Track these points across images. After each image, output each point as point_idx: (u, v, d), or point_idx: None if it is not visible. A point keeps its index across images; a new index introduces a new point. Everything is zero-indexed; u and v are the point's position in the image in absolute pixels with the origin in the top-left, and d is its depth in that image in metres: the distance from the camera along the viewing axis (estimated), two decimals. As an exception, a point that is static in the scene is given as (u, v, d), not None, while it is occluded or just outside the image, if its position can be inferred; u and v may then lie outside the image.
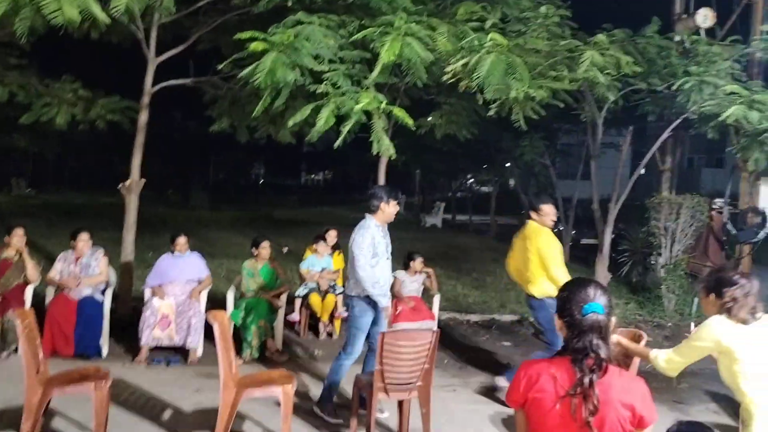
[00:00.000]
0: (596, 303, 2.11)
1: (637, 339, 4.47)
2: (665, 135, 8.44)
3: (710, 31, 8.44)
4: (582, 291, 2.15)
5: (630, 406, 2.06)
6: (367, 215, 5.03)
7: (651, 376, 6.49)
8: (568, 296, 2.17)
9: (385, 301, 4.94)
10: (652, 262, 9.79)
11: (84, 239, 6.46)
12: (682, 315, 9.11)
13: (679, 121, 8.08)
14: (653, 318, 9.03)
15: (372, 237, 4.92)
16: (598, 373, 2.06)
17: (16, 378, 4.32)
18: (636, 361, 4.37)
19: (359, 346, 5.01)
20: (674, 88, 7.25)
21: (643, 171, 9.19)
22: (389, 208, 5.00)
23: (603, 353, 2.07)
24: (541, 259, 5.50)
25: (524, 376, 2.18)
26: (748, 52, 8.04)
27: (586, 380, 2.05)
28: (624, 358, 4.51)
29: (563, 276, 5.35)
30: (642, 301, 9.68)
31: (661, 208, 9.53)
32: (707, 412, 5.63)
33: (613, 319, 2.17)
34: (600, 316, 2.11)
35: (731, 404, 5.59)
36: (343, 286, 7.76)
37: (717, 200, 10.45)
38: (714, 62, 7.35)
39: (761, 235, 9.57)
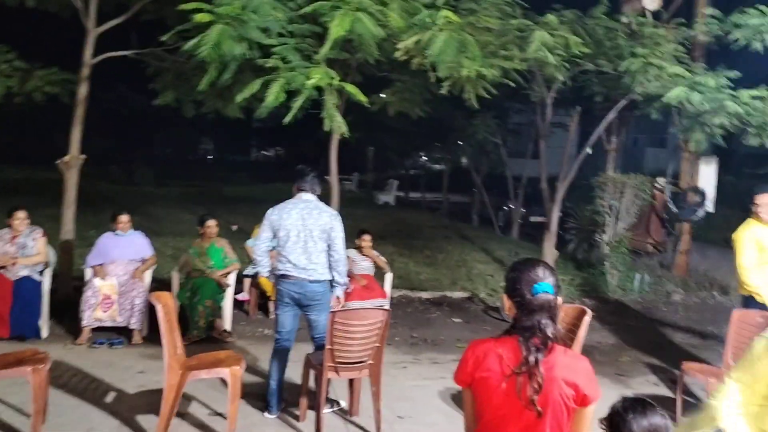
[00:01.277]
0: (546, 283, 2.13)
1: (581, 315, 4.57)
2: (611, 115, 8.59)
3: (656, 14, 8.59)
4: (531, 271, 2.16)
5: (573, 384, 2.08)
6: (316, 198, 4.80)
7: (594, 349, 6.72)
8: (518, 276, 2.18)
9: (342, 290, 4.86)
10: (597, 240, 10.05)
11: (20, 218, 6.19)
12: (624, 291, 9.40)
13: (624, 102, 8.23)
14: (597, 294, 9.29)
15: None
16: (543, 352, 2.08)
17: (-52, 363, 4.12)
18: (580, 338, 4.47)
19: None
20: (620, 69, 7.37)
21: (590, 150, 9.37)
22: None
23: (550, 332, 2.09)
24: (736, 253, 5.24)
25: (471, 355, 2.19)
26: (691, 35, 8.23)
27: (532, 359, 2.07)
28: (568, 336, 4.61)
29: (746, 273, 5.13)
30: (587, 277, 9.93)
31: (606, 186, 9.76)
32: (647, 384, 5.83)
33: (560, 299, 2.19)
34: (550, 296, 2.13)
35: (669, 376, 5.82)
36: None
37: (659, 179, 10.75)
38: (659, 44, 7.49)
39: (700, 213, 9.93)
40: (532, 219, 15.76)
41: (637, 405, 2.10)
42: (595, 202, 9.90)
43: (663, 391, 5.66)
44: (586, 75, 8.19)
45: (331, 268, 4.74)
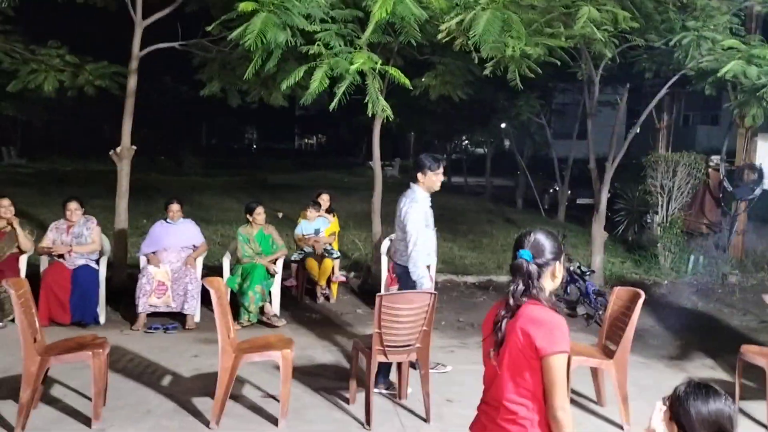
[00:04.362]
0: (523, 250, 2.27)
1: (635, 298, 4.48)
2: (662, 92, 8.32)
3: (709, -15, 8.25)
4: (519, 237, 2.34)
5: (528, 334, 2.16)
6: (413, 185, 4.98)
7: (647, 333, 6.59)
8: (514, 242, 2.36)
9: (427, 283, 4.80)
10: (648, 221, 9.78)
11: (72, 208, 6.37)
12: (678, 273, 9.15)
13: (676, 77, 7.95)
14: (649, 276, 9.07)
15: (423, 210, 4.92)
16: (509, 311, 2.23)
17: (14, 347, 4.31)
18: (633, 321, 4.38)
19: None
20: (672, 43, 7.12)
21: (638, 129, 9.11)
22: (432, 177, 4.95)
23: (516, 296, 2.22)
24: None
25: (490, 310, 2.42)
26: (746, 5, 7.88)
27: (498, 317, 2.26)
28: (622, 319, 4.52)
29: None
30: (638, 259, 9.71)
31: (657, 166, 9.48)
32: (704, 368, 5.68)
33: (557, 265, 2.29)
34: (520, 261, 2.25)
35: (727, 360, 5.64)
36: (339, 251, 7.76)
37: (713, 157, 10.38)
38: (712, 16, 7.19)
39: (757, 191, 9.56)
40: (579, 201, 15.45)
41: (700, 390, 1.99)
42: (646, 182, 9.63)
43: (720, 375, 5.50)
44: (635, 51, 7.95)
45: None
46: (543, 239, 2.29)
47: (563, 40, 6.41)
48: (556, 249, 2.30)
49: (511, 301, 2.23)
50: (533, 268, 2.25)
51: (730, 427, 1.94)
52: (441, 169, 4.99)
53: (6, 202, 6.37)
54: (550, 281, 2.31)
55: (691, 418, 1.94)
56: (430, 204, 5.06)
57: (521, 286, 2.23)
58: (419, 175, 4.96)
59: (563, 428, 2.12)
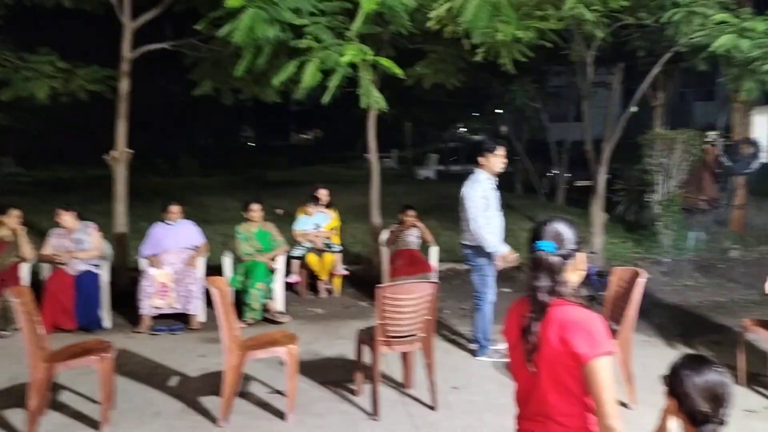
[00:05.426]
0: (543, 240, 2.10)
1: (635, 277, 4.49)
2: (655, 70, 8.29)
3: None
4: (536, 228, 2.16)
5: (565, 340, 1.99)
6: (476, 169, 5.34)
7: (651, 311, 6.60)
8: (530, 233, 2.18)
9: (502, 248, 5.20)
10: (647, 200, 9.78)
11: (59, 213, 6.37)
12: (678, 250, 9.16)
13: (669, 54, 7.93)
14: (650, 255, 9.08)
15: (483, 190, 5.23)
16: (538, 314, 2.05)
17: (21, 356, 4.32)
18: (635, 300, 4.39)
19: (492, 288, 5.32)
20: (663, 20, 7.09)
21: (635, 108, 9.08)
22: (493, 159, 5.26)
23: (543, 294, 2.05)
24: None
25: (507, 313, 2.27)
26: (737, -22, 7.83)
27: (526, 321, 2.08)
28: (623, 299, 4.53)
29: None
30: (639, 238, 9.72)
31: (654, 144, 9.46)
32: (708, 343, 5.70)
33: (579, 255, 2.12)
34: (541, 253, 2.08)
35: (731, 334, 5.67)
36: (340, 244, 7.77)
37: (710, 133, 10.36)
38: (702, -9, 7.17)
39: (755, 165, 9.56)
40: (578, 183, 15.44)
41: (693, 362, 2.00)
42: (644, 161, 9.62)
43: (725, 349, 5.51)
44: (626, 30, 7.92)
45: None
46: (563, 228, 2.11)
47: (554, 22, 6.39)
48: (577, 238, 2.12)
49: (540, 299, 2.04)
50: (557, 260, 2.06)
51: (724, 394, 1.96)
52: (501, 150, 5.30)
53: (16, 212, 6.42)
54: (574, 274, 2.12)
55: (686, 388, 1.96)
56: (495, 186, 5.35)
57: (547, 282, 2.05)
58: (481, 159, 5.32)
59: None
